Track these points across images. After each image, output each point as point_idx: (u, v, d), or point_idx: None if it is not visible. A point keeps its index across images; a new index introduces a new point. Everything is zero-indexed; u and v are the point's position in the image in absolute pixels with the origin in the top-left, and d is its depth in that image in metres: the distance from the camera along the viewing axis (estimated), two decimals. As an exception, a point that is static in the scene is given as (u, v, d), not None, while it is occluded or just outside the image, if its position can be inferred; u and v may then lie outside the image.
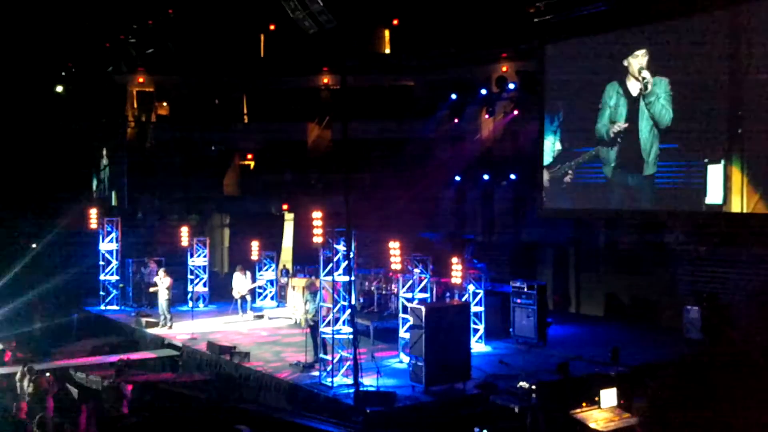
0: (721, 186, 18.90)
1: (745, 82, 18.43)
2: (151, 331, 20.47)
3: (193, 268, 23.40)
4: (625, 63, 20.96)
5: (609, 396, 13.39)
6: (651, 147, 20.48)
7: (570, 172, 22.59)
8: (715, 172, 19.06)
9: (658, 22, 20.31)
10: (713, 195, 19.11)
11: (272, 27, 29.53)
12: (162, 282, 20.87)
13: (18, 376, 15.41)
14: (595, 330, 20.62)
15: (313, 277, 19.34)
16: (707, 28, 19.16)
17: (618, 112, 21.34)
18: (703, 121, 19.30)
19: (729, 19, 18.72)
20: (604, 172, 21.74)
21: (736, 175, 18.64)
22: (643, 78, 20.41)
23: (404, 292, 16.92)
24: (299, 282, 21.45)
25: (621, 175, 21.25)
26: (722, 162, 18.90)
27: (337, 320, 15.26)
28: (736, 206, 18.66)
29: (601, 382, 14.04)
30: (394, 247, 18.61)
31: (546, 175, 23.26)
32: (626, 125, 21.12)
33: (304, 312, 17.40)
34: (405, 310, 16.41)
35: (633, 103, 20.92)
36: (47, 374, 15.61)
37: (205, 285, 23.70)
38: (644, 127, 20.62)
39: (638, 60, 20.62)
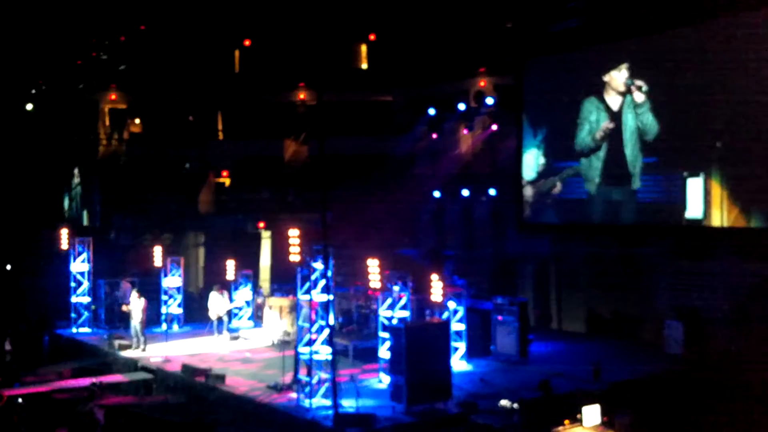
0: (701, 200, 18.91)
1: (723, 96, 18.46)
2: (124, 353, 20.06)
3: (167, 289, 22.99)
4: (606, 78, 20.97)
5: (592, 413, 13.25)
6: (636, 160, 20.47)
7: (558, 184, 22.49)
8: (694, 186, 19.06)
9: (635, 38, 20.39)
10: (693, 209, 19.11)
11: (247, 43, 29.31)
12: (136, 304, 20.46)
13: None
14: (577, 346, 20.53)
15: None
16: (685, 44, 19.24)
17: (599, 127, 21.34)
18: (683, 136, 19.33)
19: (707, 35, 18.78)
20: (587, 188, 21.70)
21: (716, 189, 18.66)
22: (639, 86, 20.23)
23: (384, 311, 16.68)
24: (276, 301, 21.17)
25: (605, 190, 21.21)
26: (701, 176, 18.91)
27: (315, 340, 14.99)
28: (716, 220, 18.67)
29: (584, 399, 13.89)
30: (373, 264, 18.43)
31: (530, 190, 23.18)
32: (609, 133, 21.07)
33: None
34: (385, 328, 16.18)
35: (614, 117, 20.92)
36: (19, 400, 15.18)
37: (179, 305, 23.29)
38: (629, 140, 20.61)
39: (622, 74, 20.63)
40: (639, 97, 20.26)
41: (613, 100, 20.94)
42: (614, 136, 20.95)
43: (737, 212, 18.32)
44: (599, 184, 21.37)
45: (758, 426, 13.89)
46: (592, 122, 21.49)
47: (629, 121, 20.59)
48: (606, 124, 21.10)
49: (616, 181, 20.90)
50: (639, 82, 20.24)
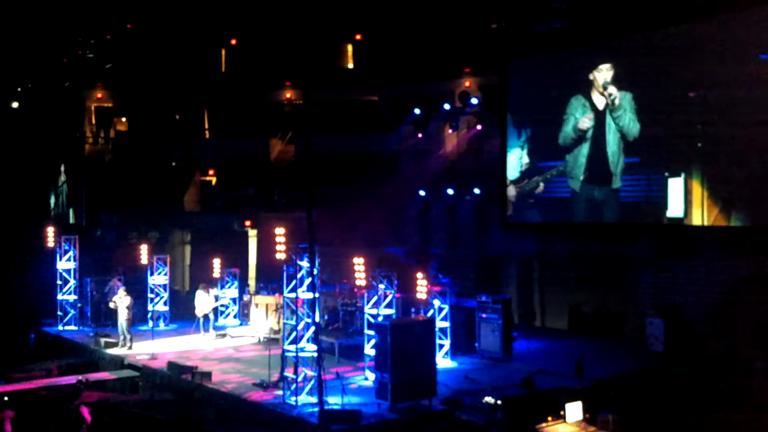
0: (681, 199, 19.13)
1: (704, 96, 18.70)
2: (110, 351, 20.04)
3: (153, 287, 22.99)
4: (591, 77, 21.20)
5: (574, 409, 13.40)
6: (618, 160, 20.72)
7: (541, 185, 22.67)
8: (675, 186, 19.29)
9: (619, 39, 20.60)
10: (674, 208, 19.33)
11: (233, 41, 29.34)
12: (121, 301, 20.47)
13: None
14: (560, 343, 20.66)
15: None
16: (667, 45, 19.44)
17: (587, 124, 21.59)
18: (664, 136, 19.55)
19: (688, 36, 19.00)
20: (570, 186, 21.93)
21: (696, 189, 18.90)
22: (609, 94, 20.72)
23: (369, 308, 16.80)
24: (263, 299, 21.23)
25: (588, 188, 21.45)
26: (682, 176, 19.14)
27: (301, 338, 15.09)
28: (697, 219, 18.90)
29: (567, 396, 14.06)
30: (359, 262, 18.51)
31: (513, 190, 23.36)
32: (591, 127, 21.37)
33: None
34: (370, 326, 16.29)
35: (599, 116, 21.17)
36: (5, 398, 15.17)
37: (165, 304, 23.29)
38: (611, 140, 20.87)
39: (602, 74, 20.89)
40: (624, 96, 20.49)
41: (598, 99, 21.17)
42: (597, 135, 21.16)
43: (717, 212, 18.56)
44: (582, 182, 21.60)
45: (739, 421, 14.10)
46: (578, 118, 21.71)
47: (612, 121, 20.81)
48: (587, 117, 21.31)
49: (599, 179, 21.12)
50: (621, 83, 20.46)
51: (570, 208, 22.02)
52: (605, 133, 20.98)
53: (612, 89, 20.64)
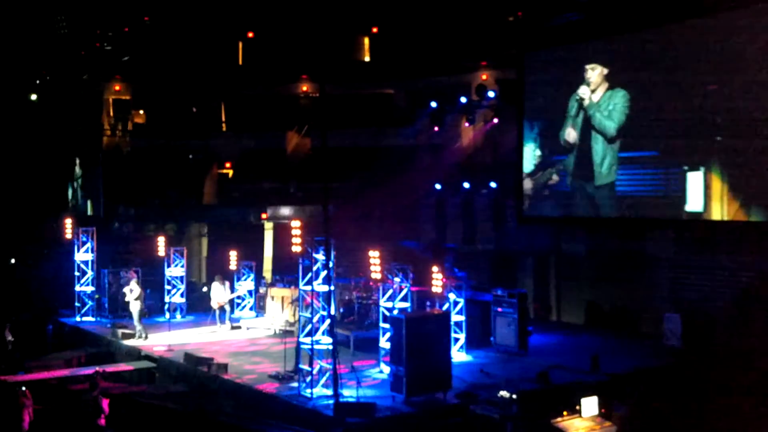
0: (701, 194, 18.96)
1: (723, 90, 18.51)
2: (127, 342, 20.20)
3: (170, 279, 23.11)
4: (596, 72, 21.17)
5: (590, 404, 13.38)
6: (604, 157, 20.76)
7: (555, 176, 22.59)
8: (694, 180, 19.13)
9: (638, 32, 20.41)
10: (693, 202, 19.17)
11: (250, 34, 29.29)
12: (132, 293, 20.59)
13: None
14: (576, 338, 20.61)
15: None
16: (686, 38, 19.26)
17: (576, 122, 21.54)
18: (683, 129, 19.39)
19: (709, 29, 18.80)
20: (566, 182, 21.95)
21: (716, 183, 18.72)
22: (580, 95, 21.16)
23: (384, 302, 16.80)
24: (278, 292, 21.31)
25: (578, 183, 21.63)
26: (702, 170, 18.97)
27: (316, 330, 15.12)
28: (716, 214, 18.73)
29: (582, 390, 14.02)
30: (374, 256, 18.54)
31: (529, 183, 23.27)
32: (577, 134, 21.56)
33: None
34: (385, 319, 16.30)
35: (586, 113, 21.22)
36: (23, 388, 15.32)
37: (182, 295, 23.42)
38: (597, 136, 21.00)
39: (587, 74, 21.02)
40: (615, 93, 20.45)
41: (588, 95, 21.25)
42: (587, 131, 21.12)
43: (738, 206, 18.37)
44: (575, 178, 21.61)
45: (756, 418, 14.00)
46: (572, 116, 21.79)
47: (591, 119, 20.80)
48: (571, 129, 21.51)
49: (587, 175, 21.17)
50: (619, 77, 20.43)
51: (573, 203, 21.98)
52: (591, 130, 21.13)
53: (584, 89, 21.07)
